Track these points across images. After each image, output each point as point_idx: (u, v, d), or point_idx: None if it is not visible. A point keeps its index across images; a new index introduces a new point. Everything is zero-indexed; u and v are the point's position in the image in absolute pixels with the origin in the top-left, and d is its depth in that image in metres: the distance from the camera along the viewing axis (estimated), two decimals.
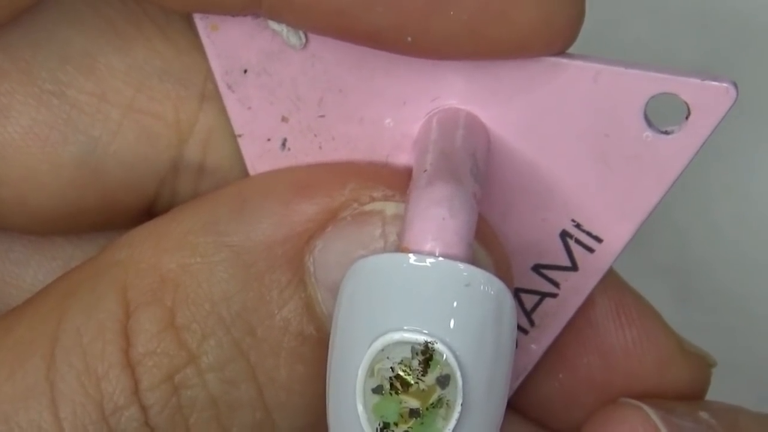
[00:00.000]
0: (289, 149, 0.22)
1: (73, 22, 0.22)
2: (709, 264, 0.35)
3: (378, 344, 0.18)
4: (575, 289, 0.23)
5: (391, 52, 0.20)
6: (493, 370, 0.19)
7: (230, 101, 0.22)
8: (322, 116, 0.22)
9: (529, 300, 0.23)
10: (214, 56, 0.21)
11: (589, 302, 0.24)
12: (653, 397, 0.24)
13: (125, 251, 0.21)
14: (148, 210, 0.23)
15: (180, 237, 0.21)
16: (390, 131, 0.22)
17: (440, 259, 0.19)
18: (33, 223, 0.23)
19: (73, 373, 0.20)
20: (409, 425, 0.19)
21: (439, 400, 0.19)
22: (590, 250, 0.23)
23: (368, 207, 0.21)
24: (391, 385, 0.19)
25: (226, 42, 0.21)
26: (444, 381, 0.18)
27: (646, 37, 0.35)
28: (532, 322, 0.23)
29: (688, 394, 0.25)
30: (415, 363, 0.18)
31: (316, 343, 0.20)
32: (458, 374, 0.18)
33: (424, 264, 0.19)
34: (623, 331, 0.25)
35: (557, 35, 0.20)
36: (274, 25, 0.21)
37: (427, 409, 0.19)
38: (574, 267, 0.23)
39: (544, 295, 0.23)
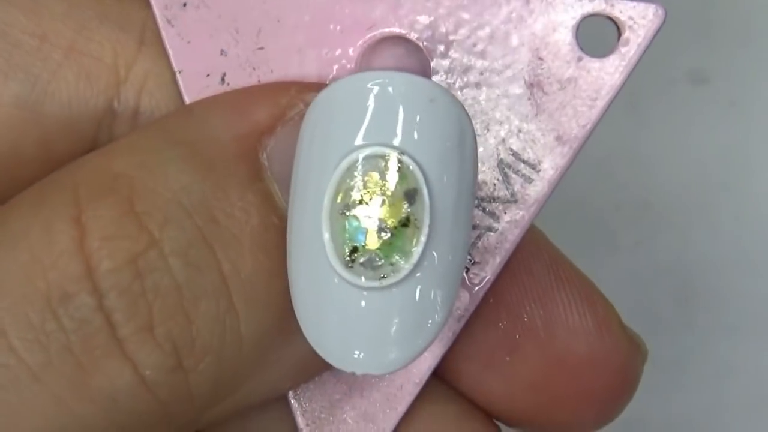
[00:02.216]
0: (228, 84, 0.22)
1: None
2: (709, 264, 0.35)
3: (344, 163, 0.18)
4: (514, 222, 0.23)
5: None
6: (457, 193, 0.19)
7: (170, 36, 0.22)
8: (261, 48, 0.22)
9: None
10: None
11: (529, 254, 0.24)
12: (594, 360, 0.25)
13: (74, 164, 0.20)
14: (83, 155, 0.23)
15: (130, 142, 0.21)
16: (327, 61, 0.22)
17: (404, 73, 0.18)
18: None
19: (17, 265, 0.19)
20: (377, 245, 0.18)
21: (408, 218, 0.18)
22: (528, 179, 0.23)
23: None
24: (360, 200, 0.18)
25: None
26: (411, 195, 0.18)
27: None
28: (472, 259, 0.23)
29: (625, 365, 0.25)
30: (384, 175, 0.18)
31: (280, 233, 0.20)
32: (425, 190, 0.18)
33: (387, 79, 0.18)
34: (563, 285, 0.25)
35: None
36: None
37: (395, 227, 0.18)
38: (512, 198, 0.23)
39: (483, 230, 0.23)
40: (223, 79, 0.22)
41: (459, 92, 0.22)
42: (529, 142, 0.22)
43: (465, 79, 0.22)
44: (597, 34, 0.22)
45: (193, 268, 0.19)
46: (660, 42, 0.36)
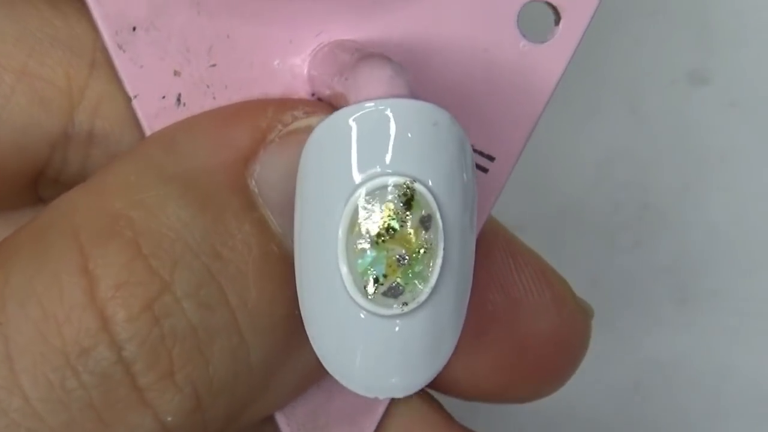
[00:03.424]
0: (184, 104, 0.22)
1: None
2: (709, 264, 0.35)
3: (356, 195, 0.18)
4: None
5: None
6: (464, 212, 0.19)
7: (122, 61, 0.22)
8: (213, 65, 0.22)
9: None
10: (101, 17, 0.21)
11: (486, 243, 0.24)
12: (555, 335, 0.26)
13: (65, 203, 0.20)
14: (35, 181, 0.23)
15: (121, 180, 0.20)
16: (280, 72, 0.22)
17: (404, 99, 0.19)
18: None
19: (29, 323, 0.19)
20: (397, 275, 0.18)
21: (423, 244, 0.18)
22: (484, 170, 0.23)
23: (293, 126, 0.21)
24: (377, 233, 0.18)
25: (112, 1, 0.21)
26: (427, 222, 0.18)
27: (646, 37, 0.35)
28: None
29: (581, 332, 0.26)
30: (399, 205, 0.18)
31: (280, 260, 0.20)
32: (438, 214, 0.18)
33: (385, 108, 0.18)
34: (521, 269, 0.25)
35: None
36: None
37: (413, 255, 0.18)
38: None
39: None
40: (179, 100, 0.22)
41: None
42: (482, 132, 0.22)
43: (419, 81, 0.22)
44: (537, 20, 0.23)
45: (205, 308, 0.19)
46: (660, 42, 0.36)
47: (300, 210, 0.19)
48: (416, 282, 0.18)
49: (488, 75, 0.22)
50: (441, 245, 0.18)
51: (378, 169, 0.18)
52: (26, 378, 0.19)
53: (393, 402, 0.24)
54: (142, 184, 0.20)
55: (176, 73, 0.22)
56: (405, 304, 0.18)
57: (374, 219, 0.18)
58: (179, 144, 0.21)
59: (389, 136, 0.18)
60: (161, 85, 0.22)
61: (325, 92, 0.21)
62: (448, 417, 0.25)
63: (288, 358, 0.21)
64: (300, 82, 0.22)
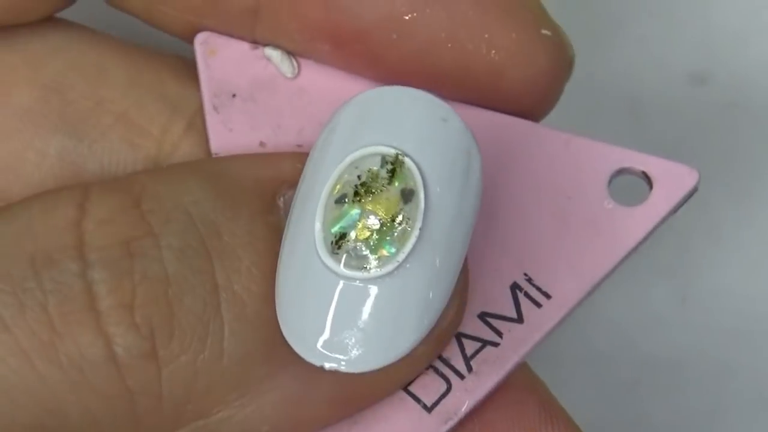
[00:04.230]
0: None
1: (91, 40, 0.23)
2: (709, 264, 0.35)
3: (348, 159, 0.19)
4: (517, 341, 0.23)
5: (377, 62, 0.21)
6: (457, 211, 0.19)
7: (213, 121, 0.23)
8: (300, 146, 0.22)
9: (471, 346, 0.23)
10: (206, 78, 0.22)
11: (521, 390, 0.24)
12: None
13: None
14: None
15: (156, 170, 0.21)
16: None
17: (423, 90, 0.19)
18: None
19: (11, 229, 0.19)
20: (365, 236, 0.18)
21: (401, 217, 0.19)
22: (538, 305, 0.23)
23: None
24: (356, 192, 0.19)
25: (220, 66, 0.22)
26: (408, 196, 0.19)
27: (646, 37, 0.35)
28: (470, 368, 0.23)
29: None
30: (383, 172, 0.19)
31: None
32: (422, 193, 0.19)
33: (410, 93, 0.19)
34: (552, 425, 0.25)
35: (537, 95, 0.22)
36: (270, 51, 0.22)
37: (387, 223, 0.18)
38: (519, 319, 0.23)
39: (485, 343, 0.23)
40: None
41: (486, 211, 0.23)
42: (545, 270, 0.23)
43: (493, 206, 0.23)
44: (629, 185, 0.23)
45: (185, 266, 0.20)
46: (660, 42, 0.36)
47: (302, 175, 0.20)
48: (384, 250, 0.19)
49: (565, 221, 0.23)
50: (418, 223, 0.19)
51: (374, 141, 0.19)
52: None
53: None
54: (172, 168, 0.21)
55: (262, 144, 0.23)
56: (366, 268, 0.18)
57: (356, 180, 0.19)
58: (222, 157, 0.22)
59: (397, 117, 0.19)
60: (244, 151, 0.23)
61: None
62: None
63: (271, 364, 0.20)
64: None
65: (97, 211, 0.20)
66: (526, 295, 0.23)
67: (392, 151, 0.19)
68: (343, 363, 0.19)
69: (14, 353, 0.19)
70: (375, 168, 0.19)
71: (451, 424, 0.23)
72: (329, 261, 0.18)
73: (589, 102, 0.34)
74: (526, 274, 0.23)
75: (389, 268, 0.18)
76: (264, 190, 0.21)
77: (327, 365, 0.19)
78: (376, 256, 0.19)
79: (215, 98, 0.22)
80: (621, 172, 0.23)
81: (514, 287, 0.23)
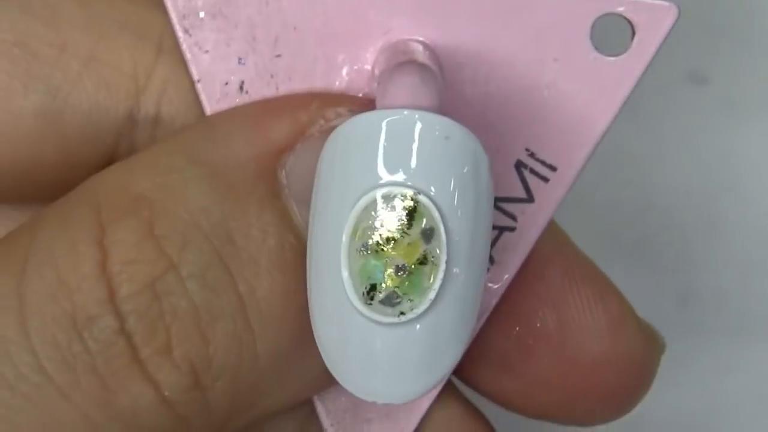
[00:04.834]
0: (246, 92, 0.22)
1: None
2: (709, 264, 0.35)
3: (362, 202, 0.18)
4: (532, 221, 0.23)
5: None
6: (473, 228, 0.19)
7: (187, 45, 0.22)
8: (278, 56, 0.22)
9: None
10: (170, 1, 0.22)
11: (543, 259, 0.24)
12: (608, 358, 0.25)
13: (96, 180, 0.21)
14: (106, 166, 0.23)
15: (151, 160, 0.21)
16: (344, 67, 0.22)
17: (420, 111, 0.19)
18: None
19: (44, 286, 0.19)
20: (396, 284, 0.18)
21: (425, 256, 0.19)
22: (545, 179, 0.23)
23: (335, 122, 0.21)
24: (377, 242, 0.18)
25: None
26: (428, 234, 0.18)
27: None
28: (492, 259, 0.23)
29: (640, 360, 0.26)
30: (401, 215, 0.18)
31: (296, 252, 0.20)
32: (442, 228, 0.18)
33: (403, 117, 0.19)
34: (577, 287, 0.25)
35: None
36: None
37: (413, 266, 0.18)
38: (530, 198, 0.23)
39: (502, 230, 0.23)
40: (241, 87, 0.22)
41: (473, 95, 0.22)
42: (545, 141, 0.22)
43: (485, 87, 0.22)
44: (610, 34, 0.22)
45: (209, 290, 0.20)
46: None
47: (313, 210, 0.20)
48: (416, 293, 0.19)
49: (556, 85, 0.22)
50: (443, 259, 0.19)
51: (386, 178, 0.18)
52: (37, 336, 0.19)
53: (434, 405, 0.24)
54: (170, 165, 0.21)
55: (240, 61, 0.22)
56: (402, 313, 0.19)
57: (376, 227, 0.18)
58: (218, 131, 0.21)
59: (399, 145, 0.19)
60: (225, 71, 0.22)
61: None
62: (488, 427, 0.25)
63: (301, 353, 0.21)
64: (364, 78, 0.22)
65: (118, 250, 0.20)
66: (532, 171, 0.23)
67: (407, 192, 0.18)
68: (395, 398, 0.19)
69: (78, 419, 0.19)
70: (393, 212, 0.18)
71: (483, 320, 0.23)
72: (364, 310, 0.19)
73: None
74: (527, 149, 0.22)
75: (423, 307, 0.19)
76: (265, 169, 0.21)
77: (380, 401, 0.19)
78: (410, 298, 0.19)
79: (184, 20, 0.22)
80: (598, 20, 0.22)
81: (519, 166, 0.23)
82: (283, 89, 0.22)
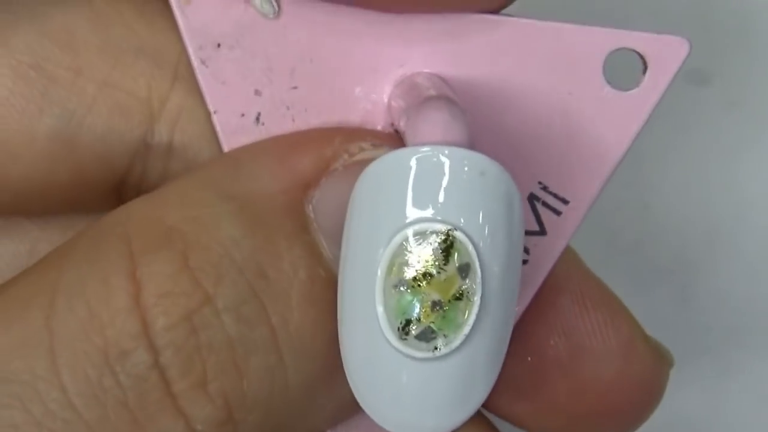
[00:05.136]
0: (263, 123, 0.22)
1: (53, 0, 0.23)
2: (709, 264, 0.35)
3: (398, 238, 0.19)
4: (544, 253, 0.23)
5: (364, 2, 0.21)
6: (506, 264, 0.19)
7: (204, 76, 0.22)
8: (295, 88, 0.22)
9: None
10: (187, 31, 0.22)
11: (554, 287, 0.24)
12: (619, 380, 0.25)
13: (123, 213, 0.21)
14: (118, 188, 0.23)
15: (180, 194, 0.21)
16: (361, 100, 0.22)
17: (454, 147, 0.19)
18: (3, 198, 0.23)
19: (75, 320, 0.19)
20: (431, 319, 0.19)
21: (460, 292, 0.19)
22: (557, 212, 0.23)
23: (359, 156, 0.21)
24: (413, 278, 0.18)
25: (199, 16, 0.22)
26: (464, 270, 0.19)
27: None
28: None
29: (650, 380, 0.26)
30: (437, 253, 0.18)
31: (326, 284, 0.20)
32: (477, 263, 0.19)
33: (437, 153, 0.19)
34: (587, 313, 0.25)
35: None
36: None
37: (449, 301, 0.19)
38: (542, 231, 0.23)
39: None
40: (257, 119, 0.22)
41: (487, 129, 0.22)
42: (558, 175, 0.23)
43: (499, 121, 0.22)
44: (621, 67, 0.23)
45: (244, 324, 0.20)
46: None
47: (346, 244, 0.20)
48: (450, 328, 0.19)
49: (569, 118, 0.22)
50: (478, 294, 0.19)
51: (421, 215, 0.19)
52: (66, 372, 0.19)
53: None
54: (200, 200, 0.20)
55: (257, 92, 0.22)
56: (437, 348, 0.19)
57: (412, 263, 0.19)
58: (243, 166, 0.21)
59: (434, 182, 0.19)
60: (241, 103, 0.22)
61: (402, 126, 0.22)
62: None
63: (330, 383, 0.21)
64: (380, 111, 0.22)
65: (152, 282, 0.19)
66: (545, 204, 0.23)
67: (442, 228, 0.18)
68: (425, 430, 0.19)
69: None
70: (429, 249, 0.18)
71: None
72: (399, 345, 0.19)
73: None
74: (540, 183, 0.23)
75: (457, 342, 0.19)
76: (293, 204, 0.21)
77: None
78: (444, 333, 0.19)
79: (200, 51, 0.22)
80: (611, 55, 0.22)
81: (532, 198, 0.23)
82: (299, 121, 0.22)
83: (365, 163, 0.20)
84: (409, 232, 0.18)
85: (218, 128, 0.22)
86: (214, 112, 0.22)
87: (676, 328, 0.35)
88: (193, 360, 0.19)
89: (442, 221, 0.18)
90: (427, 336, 0.19)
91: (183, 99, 0.23)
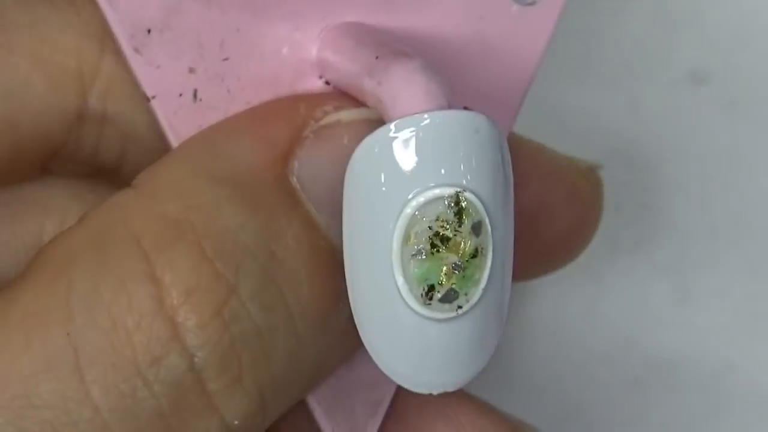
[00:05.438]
0: (200, 99, 0.22)
1: None
2: (708, 264, 0.35)
3: (409, 209, 0.19)
4: None
5: None
6: (505, 212, 0.19)
7: (139, 65, 0.22)
8: (226, 59, 0.22)
9: None
10: (116, 22, 0.22)
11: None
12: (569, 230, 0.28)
13: (117, 212, 0.20)
14: (52, 157, 0.23)
15: (172, 185, 0.20)
16: (289, 59, 0.23)
17: (446, 111, 0.19)
18: None
19: (98, 332, 0.19)
20: (452, 281, 0.19)
21: (475, 249, 0.19)
22: None
23: (324, 121, 0.21)
24: (432, 243, 0.19)
25: (126, 5, 0.22)
26: (477, 228, 0.19)
27: (646, 37, 0.35)
28: None
29: (592, 210, 0.28)
30: (451, 215, 0.19)
31: (327, 254, 0.21)
32: (487, 219, 0.19)
33: (431, 119, 0.19)
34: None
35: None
36: None
37: (467, 260, 0.19)
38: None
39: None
40: (195, 95, 0.22)
41: None
42: (485, 98, 0.23)
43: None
44: None
45: (267, 311, 0.20)
46: (660, 42, 0.36)
47: (349, 222, 0.20)
48: (469, 286, 0.19)
49: (484, 42, 0.23)
50: (490, 248, 0.19)
51: (427, 182, 0.19)
52: (97, 389, 0.18)
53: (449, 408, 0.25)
54: (193, 188, 0.20)
55: (191, 70, 0.22)
56: (460, 307, 0.19)
57: (428, 230, 0.19)
58: (221, 147, 0.21)
59: (435, 149, 0.19)
60: (178, 83, 0.22)
61: (343, 81, 0.22)
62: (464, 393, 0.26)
63: (345, 349, 0.22)
64: (308, 66, 0.23)
65: (175, 280, 0.19)
66: None
67: (451, 191, 0.19)
68: (449, 386, 0.20)
69: None
70: (443, 213, 0.19)
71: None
72: (424, 311, 0.19)
73: (589, 101, 0.34)
74: (466, 108, 0.23)
75: (476, 297, 0.19)
76: (279, 178, 0.21)
77: (435, 392, 0.20)
78: (465, 292, 0.19)
79: (132, 39, 0.22)
80: None
81: None
82: (235, 89, 0.22)
83: (331, 126, 0.21)
84: (420, 200, 0.19)
85: (158, 112, 0.22)
86: (153, 98, 0.22)
87: (676, 328, 0.35)
88: (228, 356, 0.19)
89: (449, 185, 0.19)
90: (449, 297, 0.19)
91: (112, 69, 0.23)
